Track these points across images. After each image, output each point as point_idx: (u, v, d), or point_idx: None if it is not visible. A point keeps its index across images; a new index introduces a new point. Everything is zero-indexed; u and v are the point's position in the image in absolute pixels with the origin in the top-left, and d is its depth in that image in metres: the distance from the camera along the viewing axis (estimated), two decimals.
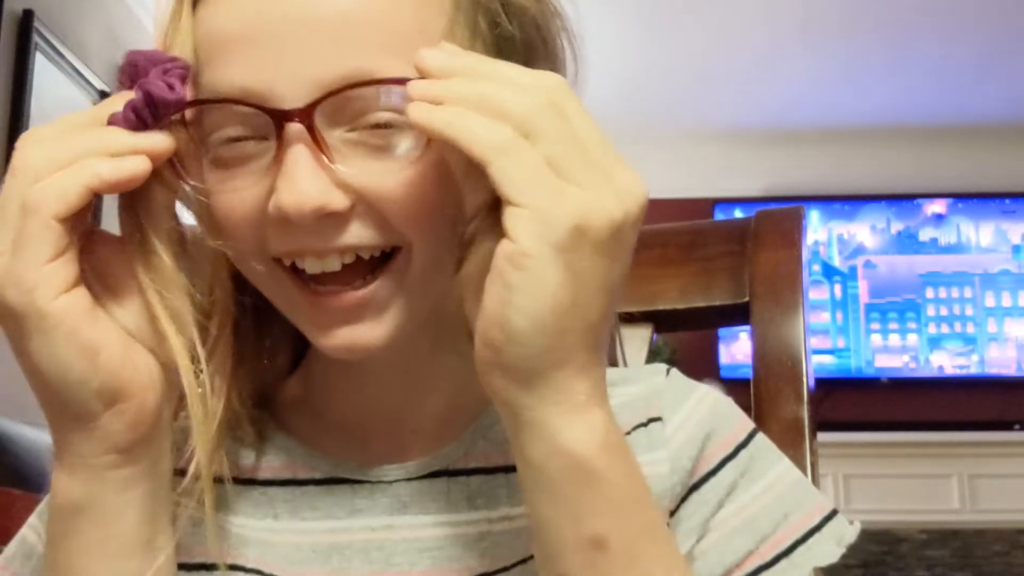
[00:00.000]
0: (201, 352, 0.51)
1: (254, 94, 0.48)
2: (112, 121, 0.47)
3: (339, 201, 0.48)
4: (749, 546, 0.55)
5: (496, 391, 0.46)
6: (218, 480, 0.57)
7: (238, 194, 0.50)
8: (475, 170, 0.44)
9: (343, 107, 0.48)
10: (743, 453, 0.58)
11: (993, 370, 4.12)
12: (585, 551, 0.46)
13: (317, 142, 0.48)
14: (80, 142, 0.46)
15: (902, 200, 4.28)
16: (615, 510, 0.46)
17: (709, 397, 0.60)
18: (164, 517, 0.52)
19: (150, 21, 3.32)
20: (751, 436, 0.59)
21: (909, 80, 3.86)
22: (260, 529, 0.57)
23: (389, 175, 0.49)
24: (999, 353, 4.13)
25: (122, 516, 0.49)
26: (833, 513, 0.57)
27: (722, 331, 3.96)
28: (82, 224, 0.47)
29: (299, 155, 0.48)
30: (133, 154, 0.46)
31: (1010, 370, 4.12)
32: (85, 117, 0.48)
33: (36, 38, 2.53)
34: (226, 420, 0.55)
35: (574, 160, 0.43)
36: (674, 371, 0.62)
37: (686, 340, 3.61)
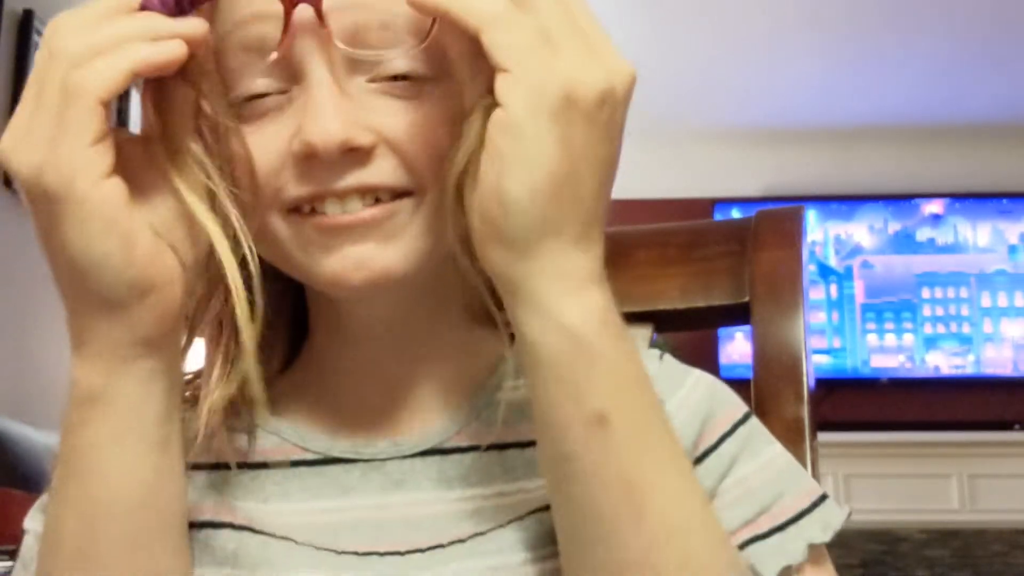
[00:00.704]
0: (242, 237, 0.51)
1: (274, 41, 0.49)
2: (146, 5, 0.47)
3: (363, 136, 0.49)
4: (747, 516, 0.56)
5: (494, 265, 0.46)
6: (216, 467, 0.58)
7: (261, 144, 0.51)
8: (474, 55, 0.46)
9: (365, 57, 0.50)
10: (741, 429, 0.59)
11: (989, 370, 4.12)
12: (587, 428, 0.46)
13: (338, 82, 0.49)
14: (119, 27, 0.46)
15: (899, 200, 4.28)
16: (616, 388, 0.46)
17: (704, 381, 0.61)
18: (177, 422, 0.52)
19: None
20: (747, 416, 0.60)
21: (907, 80, 3.86)
22: (250, 510, 0.57)
23: (410, 116, 0.50)
24: (995, 353, 4.13)
25: (143, 408, 0.49)
26: (823, 497, 0.58)
27: (721, 331, 3.97)
28: (109, 117, 0.47)
29: (324, 92, 0.49)
30: (172, 38, 0.46)
31: (1006, 370, 4.12)
32: (116, 1, 0.47)
33: (36, 38, 2.53)
34: (221, 407, 0.56)
35: (566, 33, 0.45)
36: (667, 356, 0.62)
37: (686, 340, 3.61)
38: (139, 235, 0.47)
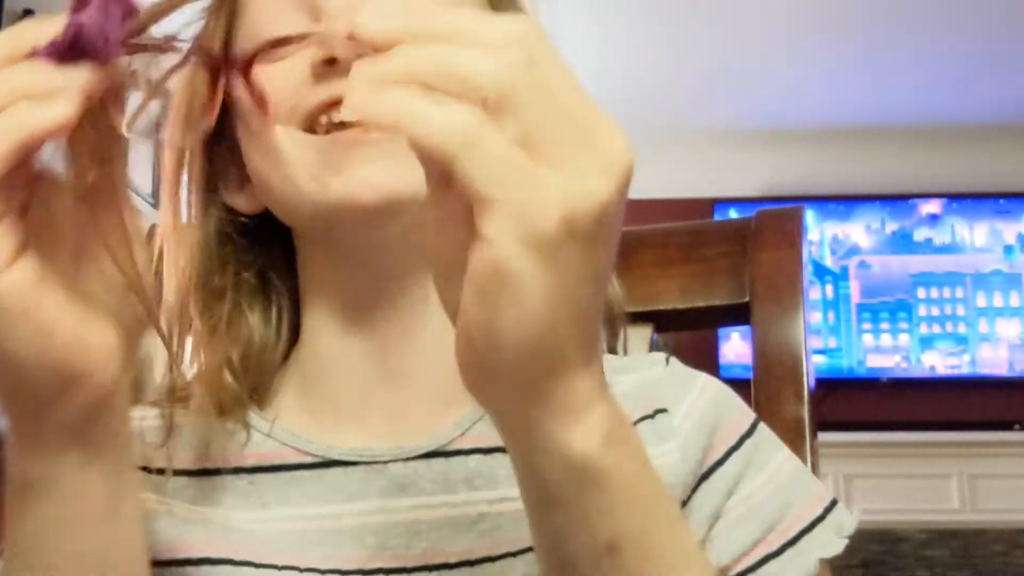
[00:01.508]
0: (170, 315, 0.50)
1: None
2: (35, 51, 0.38)
3: (384, 41, 0.48)
4: (756, 535, 0.55)
5: (482, 398, 0.41)
6: (210, 472, 0.57)
7: (280, 69, 0.50)
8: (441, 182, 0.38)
9: None
10: (748, 443, 0.58)
11: (985, 370, 4.12)
12: (600, 557, 0.42)
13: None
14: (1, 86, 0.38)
15: (897, 200, 4.28)
16: (627, 511, 0.42)
17: (710, 386, 0.60)
18: (128, 486, 0.48)
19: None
20: (754, 426, 0.59)
21: (904, 81, 3.86)
22: (248, 520, 0.55)
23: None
24: (991, 353, 4.14)
25: (81, 494, 0.45)
26: (833, 503, 0.57)
27: (721, 331, 3.97)
28: (23, 176, 0.39)
29: (344, 2, 0.49)
30: (64, 94, 0.38)
31: (1002, 370, 4.12)
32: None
33: None
34: (215, 406, 0.55)
35: (554, 135, 0.36)
36: (673, 360, 0.61)
37: (686, 340, 3.61)
38: (59, 319, 0.41)
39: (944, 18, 3.42)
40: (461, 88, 0.35)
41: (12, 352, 0.40)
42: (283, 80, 0.51)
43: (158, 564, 0.52)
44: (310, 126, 0.51)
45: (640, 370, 0.60)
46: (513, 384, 0.39)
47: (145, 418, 0.58)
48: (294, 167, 0.52)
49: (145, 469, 0.56)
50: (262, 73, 0.49)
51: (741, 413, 0.59)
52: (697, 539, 0.54)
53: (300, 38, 0.49)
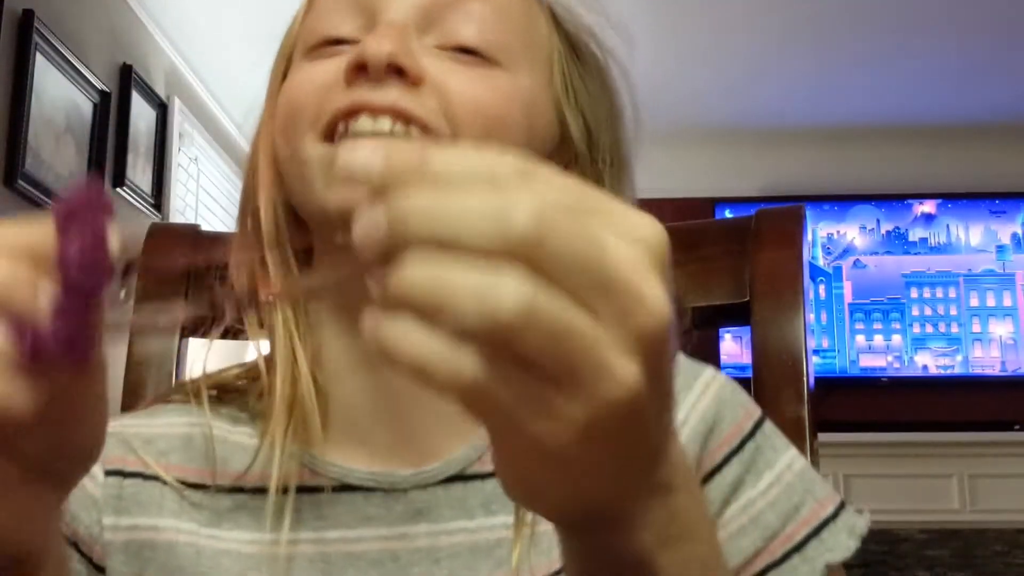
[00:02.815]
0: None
1: None
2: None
3: (413, 63, 0.50)
4: (757, 544, 0.54)
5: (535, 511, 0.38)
6: (226, 490, 0.57)
7: (318, 71, 0.52)
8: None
9: (437, 21, 0.51)
10: (749, 445, 0.57)
11: (977, 370, 4.13)
12: None
13: (408, 27, 0.51)
14: None
15: (892, 200, 4.28)
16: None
17: (713, 385, 0.59)
18: None
19: (150, 21, 3.32)
20: (758, 425, 0.58)
21: (900, 81, 3.86)
22: (264, 543, 0.55)
23: (468, 75, 0.51)
24: (983, 353, 4.14)
25: None
26: (842, 504, 0.57)
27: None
28: None
29: (390, 24, 0.51)
30: (17, 397, 0.33)
31: (994, 370, 4.12)
32: None
33: (36, 38, 2.53)
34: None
35: (590, 303, 0.29)
36: (679, 355, 0.60)
37: (686, 340, 3.60)
38: None
39: (940, 19, 3.42)
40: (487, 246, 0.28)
41: None
42: (319, 80, 0.52)
43: None
44: (330, 133, 0.52)
45: None
46: (571, 524, 0.37)
47: (174, 425, 0.59)
48: (311, 173, 0.53)
49: (180, 484, 0.56)
50: (305, 69, 0.52)
51: (744, 412, 0.59)
52: None
53: (349, 41, 0.52)
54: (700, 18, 3.40)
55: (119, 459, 0.57)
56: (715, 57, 3.68)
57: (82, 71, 2.77)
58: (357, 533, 0.55)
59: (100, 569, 0.56)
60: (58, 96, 2.66)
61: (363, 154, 0.29)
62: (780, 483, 0.56)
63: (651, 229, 0.31)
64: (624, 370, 0.30)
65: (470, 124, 0.51)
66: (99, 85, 2.86)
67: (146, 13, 3.22)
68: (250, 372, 0.60)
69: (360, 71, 0.50)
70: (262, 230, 0.56)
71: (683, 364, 0.60)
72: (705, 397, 0.58)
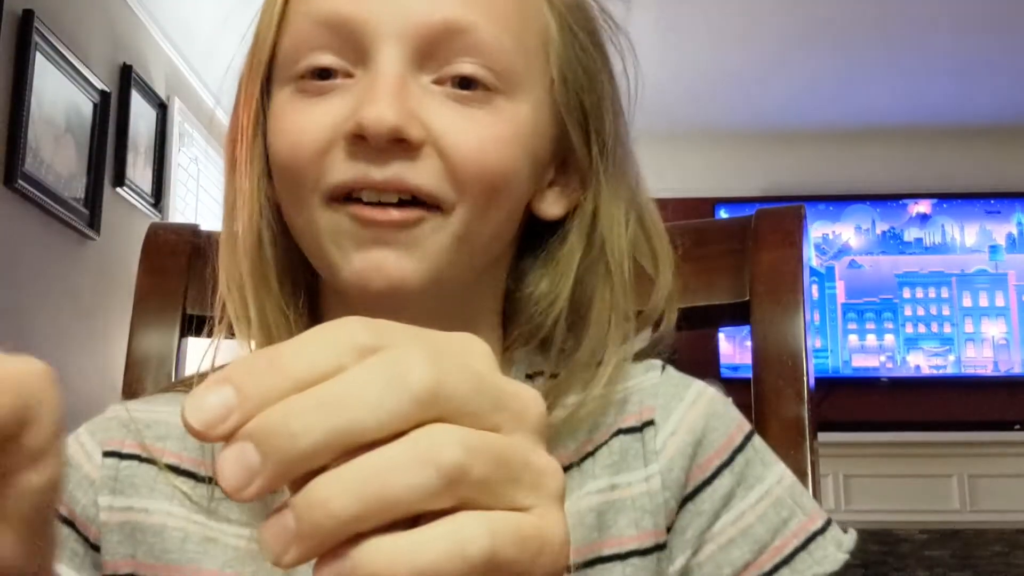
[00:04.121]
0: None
1: (353, 21, 0.50)
2: None
3: (415, 130, 0.49)
4: (747, 557, 0.54)
5: None
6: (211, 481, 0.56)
7: (313, 118, 0.51)
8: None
9: (432, 54, 0.50)
10: (739, 459, 0.57)
11: (969, 370, 4.13)
12: None
13: (403, 75, 0.50)
14: None
15: (887, 201, 4.28)
16: None
17: (703, 397, 0.59)
18: None
19: (150, 21, 3.31)
20: (747, 439, 0.58)
21: (897, 82, 3.86)
22: (251, 536, 0.55)
23: (466, 123, 0.51)
24: (976, 353, 4.14)
25: None
26: (829, 521, 0.57)
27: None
28: None
29: (387, 79, 0.50)
30: None
31: (987, 370, 4.13)
32: None
33: (36, 38, 2.53)
34: None
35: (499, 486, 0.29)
36: (669, 368, 0.60)
37: (686, 340, 3.61)
38: None
39: (937, 20, 3.42)
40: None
41: None
42: (316, 137, 0.51)
43: None
44: (335, 197, 0.52)
45: (635, 376, 0.60)
46: None
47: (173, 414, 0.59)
48: (320, 235, 0.53)
49: (173, 469, 0.57)
50: (298, 111, 0.51)
51: (735, 426, 0.58)
52: (679, 566, 0.53)
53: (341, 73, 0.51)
54: (699, 19, 3.40)
55: (117, 441, 0.58)
56: (714, 59, 3.68)
57: (82, 71, 2.78)
58: None
59: (96, 548, 0.56)
60: (58, 96, 2.66)
61: (212, 402, 0.27)
62: (769, 497, 0.56)
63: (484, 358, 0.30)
64: (550, 460, 0.30)
65: (473, 183, 0.51)
66: (99, 85, 2.86)
67: (146, 13, 3.22)
68: None
69: (360, 140, 0.50)
70: (245, 255, 0.56)
71: (673, 376, 0.60)
72: (695, 409, 0.58)
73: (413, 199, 0.51)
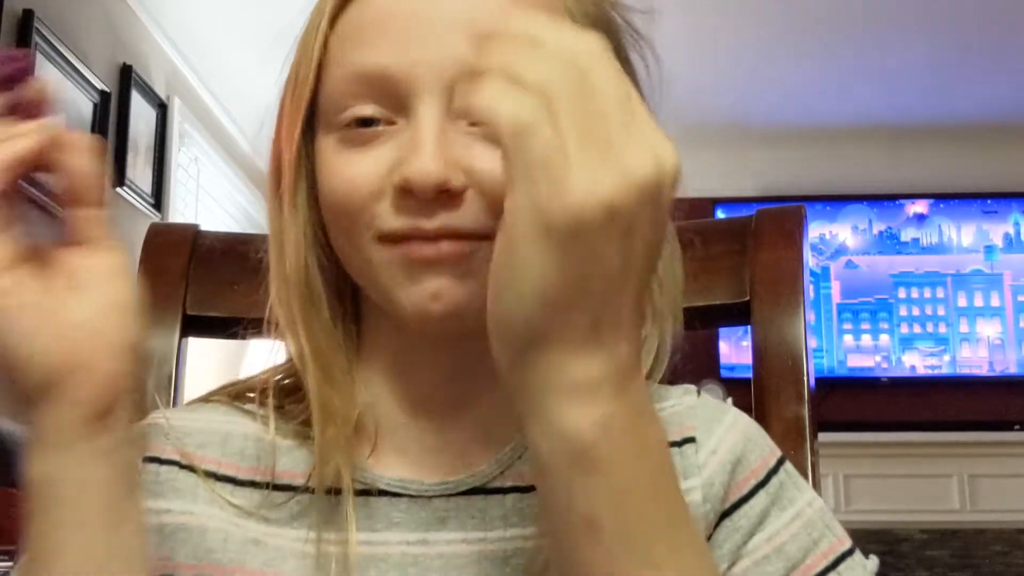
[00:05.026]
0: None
1: (393, 75, 0.53)
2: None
3: (458, 179, 0.52)
4: (780, 573, 0.56)
5: (497, 363, 0.45)
6: (259, 485, 0.59)
7: (361, 169, 0.54)
8: None
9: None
10: (774, 480, 0.59)
11: (965, 370, 4.13)
12: (577, 532, 0.44)
13: (443, 124, 0.53)
14: None
15: (884, 201, 4.28)
16: (612, 495, 0.44)
17: (740, 421, 0.61)
18: (132, 490, 0.52)
19: (150, 21, 3.31)
20: (780, 462, 0.60)
21: (893, 81, 3.86)
22: (295, 539, 0.58)
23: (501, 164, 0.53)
24: (971, 353, 4.14)
25: (88, 494, 0.50)
26: (854, 547, 0.58)
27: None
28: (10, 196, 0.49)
29: (429, 132, 0.52)
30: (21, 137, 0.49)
31: (982, 370, 4.13)
32: None
33: (36, 38, 2.53)
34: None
35: (585, 139, 0.40)
36: (704, 394, 0.63)
37: (686, 340, 3.60)
38: (46, 322, 0.48)
39: (935, 19, 3.42)
40: (511, 86, 0.41)
41: (20, 342, 0.48)
42: (366, 182, 0.54)
43: None
44: (387, 239, 0.55)
45: (672, 398, 0.62)
46: (514, 352, 0.43)
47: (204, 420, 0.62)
48: (374, 268, 0.56)
49: (212, 475, 0.59)
50: (345, 161, 0.55)
51: (770, 450, 0.60)
52: (707, 554, 0.53)
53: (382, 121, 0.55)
54: (697, 20, 3.40)
55: (157, 447, 0.60)
56: (712, 59, 3.68)
57: (82, 71, 2.77)
58: (382, 537, 0.57)
59: None
60: (58, 96, 2.66)
61: (492, 95, 0.42)
62: (801, 518, 0.58)
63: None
64: (648, 158, 0.41)
65: None
66: (99, 85, 2.86)
67: (146, 13, 3.22)
68: (287, 374, 0.63)
69: (408, 193, 0.53)
70: (291, 280, 0.59)
71: (710, 401, 0.62)
72: (734, 432, 0.60)
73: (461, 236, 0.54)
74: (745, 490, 0.58)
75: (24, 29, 2.51)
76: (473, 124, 0.52)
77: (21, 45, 2.49)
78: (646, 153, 0.41)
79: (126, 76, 3.04)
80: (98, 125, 2.87)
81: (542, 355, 0.43)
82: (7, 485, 2.03)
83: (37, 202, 0.51)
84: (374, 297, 0.58)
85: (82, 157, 0.50)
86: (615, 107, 0.42)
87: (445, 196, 0.52)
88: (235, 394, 0.63)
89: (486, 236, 0.53)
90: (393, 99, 0.54)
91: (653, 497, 0.45)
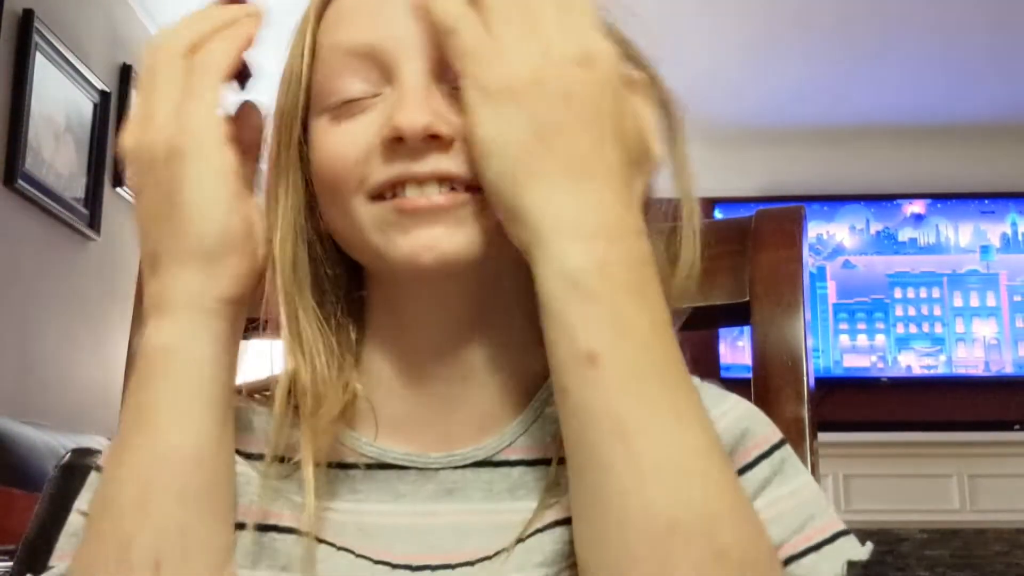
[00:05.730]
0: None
1: (379, 47, 0.56)
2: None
3: (444, 126, 0.54)
4: (782, 536, 0.56)
5: (495, 205, 0.51)
6: (278, 460, 0.60)
7: (352, 135, 0.56)
8: None
9: (449, 66, 0.55)
10: (777, 454, 0.59)
11: (961, 370, 4.13)
12: (578, 365, 0.48)
13: (427, 85, 0.55)
14: (216, 18, 0.58)
15: (881, 200, 4.28)
16: (611, 330, 0.48)
17: (743, 404, 0.62)
18: (233, 395, 0.57)
19: (150, 21, 3.32)
20: (782, 441, 0.61)
21: (891, 82, 3.86)
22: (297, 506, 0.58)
23: None
24: (966, 353, 4.14)
25: (207, 370, 0.54)
26: (844, 531, 0.58)
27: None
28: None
29: (414, 89, 0.55)
30: (246, 17, 0.58)
31: (978, 370, 4.13)
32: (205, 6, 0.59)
33: (36, 38, 2.53)
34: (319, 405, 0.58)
35: (507, 28, 0.51)
36: (704, 382, 0.63)
37: (686, 340, 3.60)
38: (240, 195, 0.56)
39: (932, 20, 3.42)
40: None
41: (212, 201, 0.55)
42: (353, 147, 0.56)
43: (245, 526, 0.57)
44: (377, 195, 0.56)
45: None
46: (504, 192, 0.51)
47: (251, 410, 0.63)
48: (364, 228, 0.57)
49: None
50: (336, 132, 0.57)
51: (771, 429, 0.61)
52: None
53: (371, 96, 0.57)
54: (694, 20, 3.41)
55: None
56: (711, 59, 3.68)
57: (82, 71, 2.78)
58: (390, 508, 0.58)
59: None
60: (58, 96, 2.67)
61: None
62: (799, 495, 0.58)
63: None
64: (571, 44, 0.51)
65: None
66: (99, 85, 2.87)
67: (146, 13, 3.22)
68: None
69: (398, 142, 0.54)
70: (279, 267, 0.60)
71: (713, 387, 0.63)
72: (738, 408, 0.61)
73: (453, 188, 0.55)
74: (750, 458, 0.58)
75: (24, 29, 2.51)
76: (456, 87, 0.54)
77: (21, 45, 2.50)
78: (569, 40, 0.51)
79: (126, 76, 3.04)
80: (98, 125, 2.88)
81: (528, 192, 0.50)
82: (7, 485, 2.03)
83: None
84: (367, 262, 0.59)
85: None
86: (549, 5, 0.51)
87: (434, 143, 0.54)
88: (250, 391, 0.64)
89: (477, 188, 0.54)
90: (379, 70, 0.56)
91: (651, 341, 0.50)
